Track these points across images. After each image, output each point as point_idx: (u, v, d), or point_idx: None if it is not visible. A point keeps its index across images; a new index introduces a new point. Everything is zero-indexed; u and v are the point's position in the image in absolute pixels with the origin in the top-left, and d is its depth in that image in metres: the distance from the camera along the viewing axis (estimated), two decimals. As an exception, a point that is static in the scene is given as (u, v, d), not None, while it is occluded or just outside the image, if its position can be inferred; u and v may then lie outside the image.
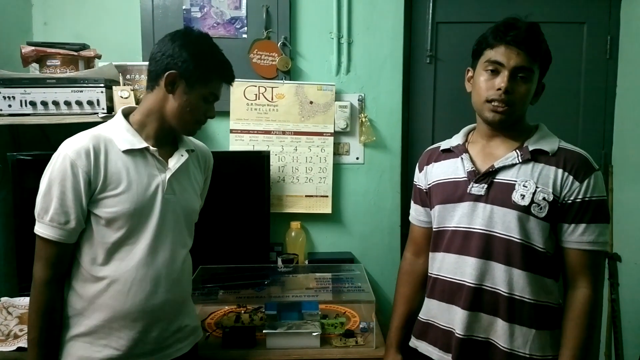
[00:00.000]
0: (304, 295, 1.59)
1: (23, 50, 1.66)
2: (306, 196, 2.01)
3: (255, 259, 1.87)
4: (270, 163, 1.92)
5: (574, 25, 2.08)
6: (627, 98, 2.05)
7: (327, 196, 2.01)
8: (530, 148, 1.13)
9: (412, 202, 1.38)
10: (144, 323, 1.15)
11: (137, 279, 1.13)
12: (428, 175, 1.29)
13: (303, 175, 2.01)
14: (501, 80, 1.09)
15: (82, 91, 1.61)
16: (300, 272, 1.84)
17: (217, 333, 1.54)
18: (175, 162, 1.20)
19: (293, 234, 1.99)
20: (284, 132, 1.98)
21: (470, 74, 1.20)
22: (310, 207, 2.01)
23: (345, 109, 1.98)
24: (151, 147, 1.16)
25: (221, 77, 1.18)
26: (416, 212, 1.36)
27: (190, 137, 1.31)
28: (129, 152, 1.13)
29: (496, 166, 1.13)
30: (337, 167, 2.03)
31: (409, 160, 2.14)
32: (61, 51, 1.69)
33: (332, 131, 1.99)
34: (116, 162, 1.12)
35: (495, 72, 1.10)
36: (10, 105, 1.60)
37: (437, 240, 1.23)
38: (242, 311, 1.66)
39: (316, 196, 2.01)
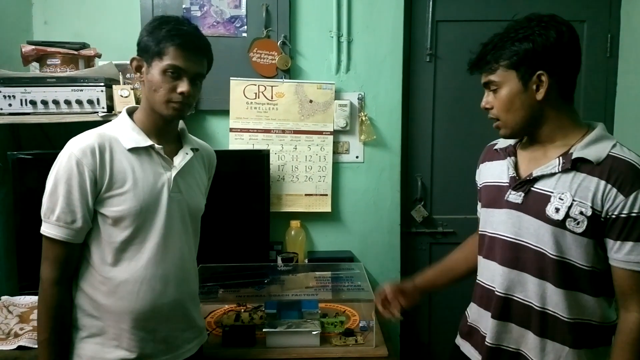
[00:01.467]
0: (304, 294, 1.59)
1: (23, 50, 1.67)
2: (306, 195, 2.01)
3: (255, 258, 1.87)
4: (270, 162, 1.92)
5: (574, 24, 2.04)
6: (627, 96, 2.04)
7: (326, 195, 2.01)
8: (574, 156, 1.03)
9: (478, 198, 1.32)
10: (154, 323, 1.15)
11: (146, 278, 1.12)
12: (480, 175, 1.27)
13: (303, 174, 2.01)
14: (485, 101, 1.12)
15: (82, 90, 1.62)
16: (300, 270, 1.84)
17: (217, 332, 1.54)
18: (180, 160, 1.19)
19: (293, 232, 1.99)
20: (283, 131, 1.98)
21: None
22: (309, 206, 2.01)
23: (345, 108, 1.98)
24: (156, 145, 1.15)
25: (173, 44, 1.08)
26: (479, 206, 1.31)
27: (194, 137, 1.31)
28: (134, 150, 1.13)
29: (534, 174, 1.07)
30: (337, 166, 2.03)
31: (409, 159, 2.14)
32: (61, 50, 1.70)
33: (332, 130, 1.99)
34: (121, 160, 1.11)
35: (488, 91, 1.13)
36: (10, 105, 1.61)
37: (480, 243, 1.21)
38: (242, 310, 1.67)
39: (316, 195, 2.01)
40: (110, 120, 1.21)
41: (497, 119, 1.10)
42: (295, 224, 1.99)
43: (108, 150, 1.10)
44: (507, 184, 1.13)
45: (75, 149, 1.08)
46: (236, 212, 1.89)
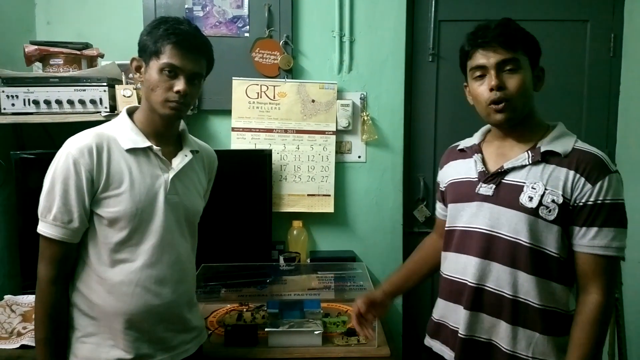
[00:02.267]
0: (306, 293, 1.59)
1: (26, 50, 1.67)
2: (308, 195, 2.01)
3: (257, 258, 1.87)
4: (272, 162, 1.92)
5: (577, 24, 2.07)
6: (631, 96, 2.04)
7: (329, 195, 2.01)
8: (542, 149, 1.09)
9: (436, 198, 1.39)
10: (150, 324, 1.14)
11: (141, 279, 1.12)
12: (445, 175, 1.29)
13: (305, 174, 2.01)
14: (490, 80, 1.08)
15: (85, 90, 1.62)
16: (302, 270, 1.84)
17: (220, 331, 1.54)
18: (179, 162, 1.19)
19: (295, 232, 1.99)
20: (286, 131, 1.98)
21: (467, 88, 1.20)
22: (312, 206, 2.01)
23: (347, 108, 1.98)
24: (154, 147, 1.14)
25: (170, 42, 1.08)
26: (439, 207, 1.37)
27: (195, 139, 1.30)
28: (132, 151, 1.12)
29: (505, 167, 1.12)
30: (339, 166, 2.03)
31: (411, 159, 2.14)
32: (64, 50, 1.70)
33: (334, 130, 1.99)
34: (119, 161, 1.11)
35: (483, 76, 1.10)
36: (13, 104, 1.61)
37: (448, 239, 1.23)
38: (244, 309, 1.67)
39: (318, 195, 2.01)
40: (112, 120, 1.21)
41: (506, 101, 1.08)
42: (297, 223, 1.98)
43: (106, 151, 1.10)
44: (477, 179, 1.16)
45: (72, 148, 1.08)
46: (238, 212, 1.89)
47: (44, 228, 1.08)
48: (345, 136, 2.02)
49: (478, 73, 1.11)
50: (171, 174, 1.16)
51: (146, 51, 1.11)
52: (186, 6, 1.94)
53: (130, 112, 1.19)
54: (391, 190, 2.05)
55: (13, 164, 1.65)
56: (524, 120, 1.12)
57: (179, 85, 1.10)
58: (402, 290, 1.38)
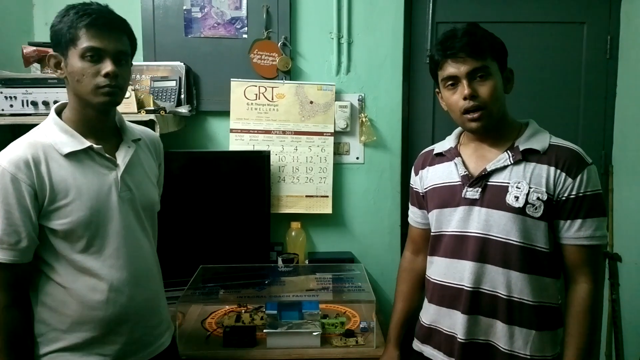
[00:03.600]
0: (305, 294, 1.59)
1: (24, 51, 1.67)
2: (306, 196, 2.01)
3: (255, 259, 1.87)
4: (271, 163, 1.92)
5: (573, 25, 2.08)
6: (627, 98, 2.05)
7: (327, 196, 2.01)
8: (521, 148, 1.12)
9: (409, 204, 1.38)
10: (128, 326, 1.11)
11: (113, 285, 1.08)
12: (423, 180, 1.29)
13: (303, 175, 2.01)
14: (463, 89, 1.09)
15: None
16: (300, 271, 1.84)
17: (218, 332, 1.54)
18: (123, 156, 1.11)
19: (293, 233, 1.99)
20: (284, 132, 1.99)
21: (439, 95, 1.21)
22: (310, 208, 2.02)
23: (346, 109, 1.99)
24: (95, 145, 1.06)
25: (84, 24, 1.00)
26: (414, 214, 1.37)
27: (135, 125, 1.23)
28: (71, 155, 1.04)
29: (488, 169, 1.13)
30: (338, 167, 2.03)
31: (409, 160, 2.14)
32: (62, 51, 1.70)
33: (333, 131, 1.99)
34: (59, 169, 1.03)
35: (455, 85, 1.12)
36: (12, 105, 1.61)
37: (435, 244, 1.23)
38: (243, 310, 1.67)
39: (316, 196, 2.01)
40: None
41: (480, 109, 1.10)
42: (295, 225, 1.99)
43: (43, 161, 1.02)
44: (460, 183, 1.17)
45: (6, 163, 1.00)
46: (237, 213, 1.89)
47: None
48: (343, 137, 2.03)
49: (450, 82, 1.12)
50: (119, 172, 1.10)
51: (61, 42, 1.03)
52: (184, 7, 1.94)
53: (59, 111, 1.11)
54: (389, 192, 2.06)
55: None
56: (498, 123, 1.14)
57: (107, 67, 1.01)
58: (406, 329, 1.38)
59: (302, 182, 2.01)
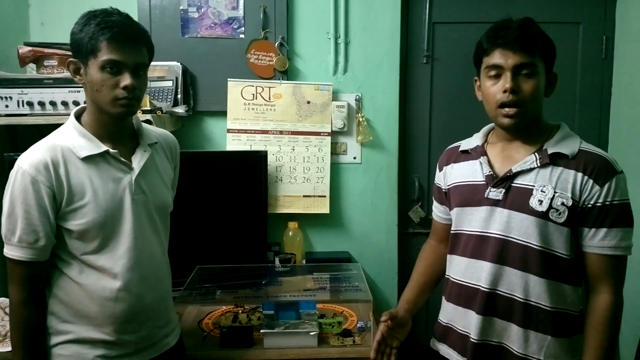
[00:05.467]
0: (302, 294, 1.59)
1: (20, 51, 1.66)
2: (304, 196, 2.01)
3: (252, 259, 1.87)
4: (268, 163, 1.92)
5: (569, 26, 2.09)
6: (622, 98, 2.06)
7: (324, 196, 2.01)
8: (550, 151, 1.09)
9: (433, 199, 1.37)
10: (135, 325, 1.14)
11: (123, 284, 1.11)
12: (447, 176, 1.27)
13: (300, 175, 2.01)
14: (505, 82, 1.06)
15: (79, 91, 1.61)
16: (297, 271, 1.84)
17: (215, 333, 1.54)
18: (139, 160, 1.15)
19: (290, 233, 1.99)
20: (281, 132, 1.99)
21: (477, 83, 1.18)
22: (307, 207, 2.02)
23: (343, 109, 1.99)
24: (111, 150, 1.10)
25: (105, 38, 1.02)
26: (437, 210, 1.36)
27: (152, 128, 1.25)
28: (89, 158, 1.08)
29: (514, 170, 1.11)
30: (335, 167, 2.03)
31: (406, 160, 2.15)
32: (58, 51, 1.69)
33: (330, 131, 2.00)
34: (77, 172, 1.07)
35: (498, 76, 1.08)
36: (7, 106, 1.60)
37: (455, 242, 1.22)
38: (240, 311, 1.66)
39: (314, 196, 2.01)
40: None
41: (518, 106, 1.07)
42: (293, 225, 1.99)
43: (62, 163, 1.06)
44: (484, 182, 1.15)
45: (27, 166, 1.04)
46: (234, 213, 1.88)
47: (10, 251, 1.06)
48: (340, 137, 2.03)
49: (493, 72, 1.09)
50: (134, 175, 1.13)
51: (81, 51, 1.05)
52: (181, 7, 1.94)
53: (79, 115, 1.14)
54: (386, 191, 2.06)
55: (7, 165, 1.63)
56: (531, 124, 1.11)
57: (125, 80, 1.04)
58: (419, 305, 1.33)
59: (300, 182, 2.01)
